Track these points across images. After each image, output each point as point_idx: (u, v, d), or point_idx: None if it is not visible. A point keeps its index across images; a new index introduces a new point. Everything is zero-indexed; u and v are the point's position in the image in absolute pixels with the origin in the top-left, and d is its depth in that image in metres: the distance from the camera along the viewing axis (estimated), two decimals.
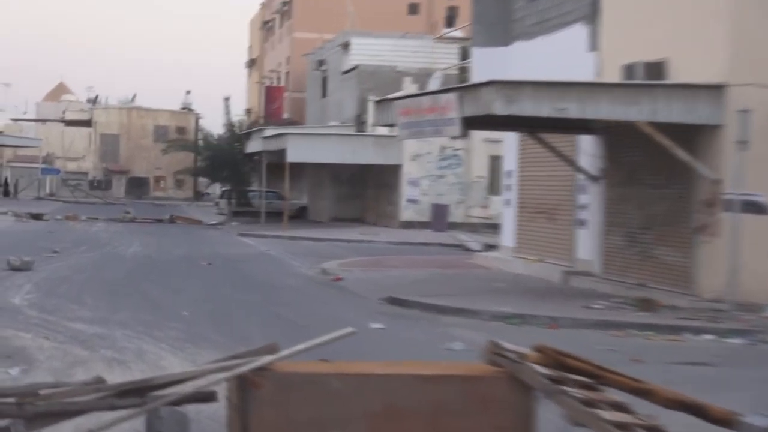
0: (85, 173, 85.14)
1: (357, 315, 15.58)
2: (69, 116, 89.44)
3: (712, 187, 17.10)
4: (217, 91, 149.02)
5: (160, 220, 46.26)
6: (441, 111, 17.36)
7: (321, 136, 43.34)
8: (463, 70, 43.63)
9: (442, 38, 51.56)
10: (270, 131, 45.46)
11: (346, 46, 51.95)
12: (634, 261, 19.53)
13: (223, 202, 56.41)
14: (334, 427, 6.26)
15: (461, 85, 18.48)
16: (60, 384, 6.55)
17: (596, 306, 16.95)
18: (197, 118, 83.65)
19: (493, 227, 33.64)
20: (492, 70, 20.67)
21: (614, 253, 20.29)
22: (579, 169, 21.22)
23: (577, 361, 6.55)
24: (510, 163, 25.46)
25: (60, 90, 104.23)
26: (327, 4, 61.73)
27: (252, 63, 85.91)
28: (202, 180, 69.50)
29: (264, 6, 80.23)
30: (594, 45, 20.85)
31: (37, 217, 43.96)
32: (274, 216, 43.96)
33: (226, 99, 56.24)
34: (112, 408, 6.16)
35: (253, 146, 48.54)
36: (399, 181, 42.40)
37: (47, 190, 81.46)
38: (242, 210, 51.12)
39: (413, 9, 63.43)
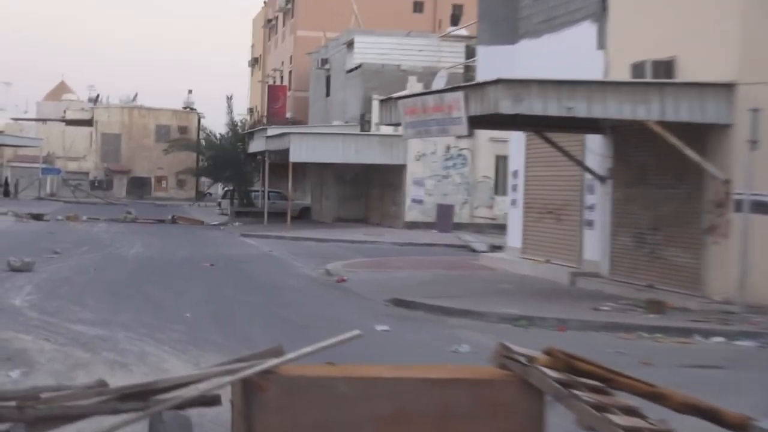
0: (86, 173, 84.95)
1: (362, 317, 15.50)
2: (70, 116, 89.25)
3: (721, 187, 17.00)
4: (220, 91, 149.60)
5: (161, 221, 46.16)
6: (447, 110, 17.29)
7: (324, 135, 43.14)
8: (469, 69, 43.56)
9: (447, 36, 51.43)
10: (273, 131, 45.42)
11: (349, 44, 51.86)
12: (642, 262, 19.43)
13: (225, 203, 56.44)
14: (341, 431, 6.19)
15: (467, 84, 18.33)
16: (61, 387, 6.49)
17: (604, 308, 16.86)
18: (199, 118, 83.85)
19: (499, 228, 33.60)
20: (498, 69, 20.53)
21: (622, 254, 20.17)
22: (586, 169, 21.11)
23: (587, 365, 6.49)
24: (516, 162, 25.35)
25: (61, 89, 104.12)
26: (330, 3, 61.67)
27: (255, 62, 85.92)
28: (204, 180, 69.38)
29: (267, 4, 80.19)
30: (602, 43, 20.78)
31: (37, 217, 43.85)
32: (277, 216, 43.91)
33: (229, 98, 56.17)
34: (115, 412, 6.10)
35: (256, 146, 48.48)
36: (403, 181, 42.24)
37: (48, 190, 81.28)
38: (245, 210, 51.10)
39: (418, 7, 63.38)
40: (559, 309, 16.59)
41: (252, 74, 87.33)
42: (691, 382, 10.27)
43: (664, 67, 18.06)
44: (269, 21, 77.85)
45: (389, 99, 20.92)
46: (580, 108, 16.45)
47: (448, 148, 41.53)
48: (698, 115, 16.89)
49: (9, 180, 79.19)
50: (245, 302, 17.13)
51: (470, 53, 44.48)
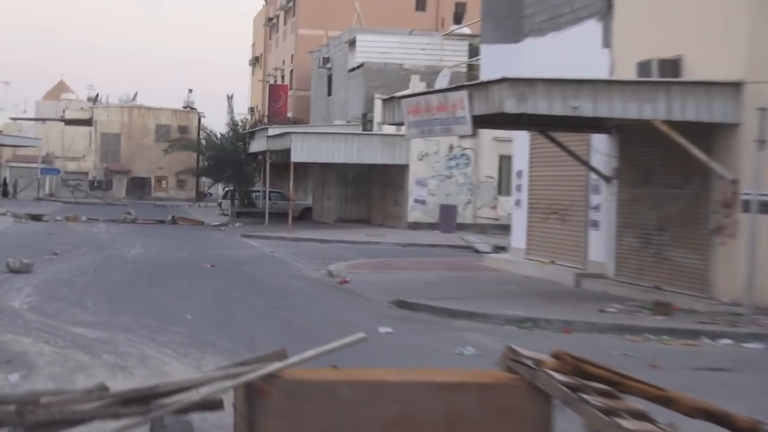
0: (86, 173, 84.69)
1: (365, 319, 15.43)
2: (69, 115, 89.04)
3: (729, 187, 16.92)
4: (220, 90, 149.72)
5: (161, 221, 46.09)
6: (451, 109, 17.23)
7: (326, 135, 42.97)
8: (472, 68, 43.49)
9: (450, 35, 51.35)
10: (274, 130, 45.30)
11: (351, 43, 51.78)
12: (648, 263, 19.34)
13: (226, 203, 56.28)
14: None
15: (471, 83, 18.24)
16: (62, 391, 6.46)
17: (610, 309, 16.78)
18: (200, 117, 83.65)
19: (503, 228, 33.52)
20: (502, 68, 20.43)
21: (628, 255, 20.08)
22: (592, 169, 21.02)
23: (596, 368, 6.43)
24: (520, 162, 25.25)
25: (60, 88, 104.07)
26: (332, 1, 61.65)
27: (256, 61, 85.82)
28: (205, 180, 69.31)
29: (268, 3, 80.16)
30: (607, 41, 20.69)
31: (36, 218, 43.77)
32: (278, 217, 43.83)
33: (229, 97, 56.05)
34: (116, 416, 6.03)
35: (257, 146, 48.39)
36: (406, 182, 42.11)
37: (47, 191, 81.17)
38: (245, 211, 50.99)
39: (420, 5, 63.32)
40: (565, 311, 16.51)
41: (253, 73, 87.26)
42: (698, 384, 10.23)
43: (671, 66, 17.98)
44: (270, 19, 77.79)
45: (392, 98, 20.82)
46: (586, 107, 16.35)
47: (451, 147, 41.40)
48: (705, 115, 16.81)
49: (8, 180, 79.12)
50: (247, 304, 17.08)
51: (473, 52, 44.39)
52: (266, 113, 62.18)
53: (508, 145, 32.22)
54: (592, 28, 21.10)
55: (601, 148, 20.93)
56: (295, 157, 40.13)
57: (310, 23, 63.48)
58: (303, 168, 48.79)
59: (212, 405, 6.23)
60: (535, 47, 23.37)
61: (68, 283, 19.23)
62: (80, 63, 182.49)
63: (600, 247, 21.02)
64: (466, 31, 50.36)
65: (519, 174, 25.35)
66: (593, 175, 21.11)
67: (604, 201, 20.93)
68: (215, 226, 44.75)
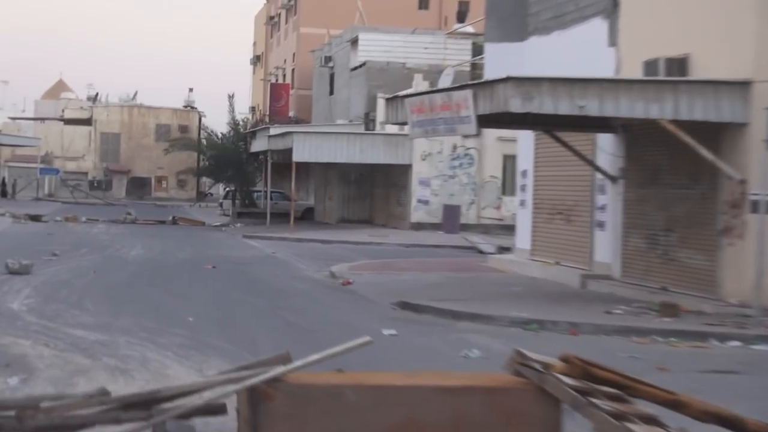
0: (85, 173, 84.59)
1: (368, 321, 15.41)
2: (68, 114, 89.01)
3: (737, 188, 16.81)
4: (221, 89, 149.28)
5: (162, 222, 46.10)
6: (455, 108, 17.17)
7: (328, 134, 42.87)
8: (476, 67, 43.35)
9: (453, 34, 51.24)
10: (275, 130, 45.19)
11: (354, 41, 51.66)
12: (655, 264, 19.24)
13: (227, 203, 56.18)
14: None
15: (476, 82, 18.18)
16: (62, 396, 6.43)
17: (617, 311, 16.71)
18: (200, 117, 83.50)
19: (507, 229, 33.45)
20: (506, 67, 20.43)
21: (634, 256, 19.97)
22: (597, 169, 20.92)
23: (605, 372, 6.37)
24: (525, 162, 25.17)
25: (59, 87, 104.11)
26: None
27: (257, 59, 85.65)
28: (205, 180, 69.24)
29: (269, 1, 79.95)
30: (613, 40, 20.59)
31: (35, 218, 43.76)
32: (280, 217, 43.74)
33: (230, 96, 55.95)
34: (117, 421, 5.99)
35: (258, 145, 48.29)
36: (409, 181, 42.00)
37: (46, 191, 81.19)
38: (247, 211, 50.92)
39: (423, 3, 63.24)
40: (571, 312, 16.45)
41: (254, 72, 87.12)
42: (707, 387, 10.16)
43: (678, 65, 17.89)
44: (271, 18, 77.66)
45: (395, 97, 20.72)
46: (592, 106, 16.30)
47: (455, 147, 41.29)
48: (713, 114, 16.72)
49: (6, 180, 79.11)
50: (249, 305, 17.03)
51: (477, 51, 44.29)
52: (267, 112, 62.07)
53: (512, 145, 32.05)
54: (598, 26, 20.99)
55: (607, 148, 20.83)
56: (297, 156, 40.02)
57: (312, 21, 63.38)
58: (305, 168, 48.63)
59: (215, 410, 6.18)
60: (540, 46, 23.28)
61: (68, 284, 19.18)
62: (79, 62, 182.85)
63: (606, 248, 20.91)
64: (470, 29, 50.27)
65: (524, 174, 25.26)
66: (599, 175, 21.01)
67: (610, 201, 20.83)
68: (216, 226, 44.76)
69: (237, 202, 53.35)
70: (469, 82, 18.74)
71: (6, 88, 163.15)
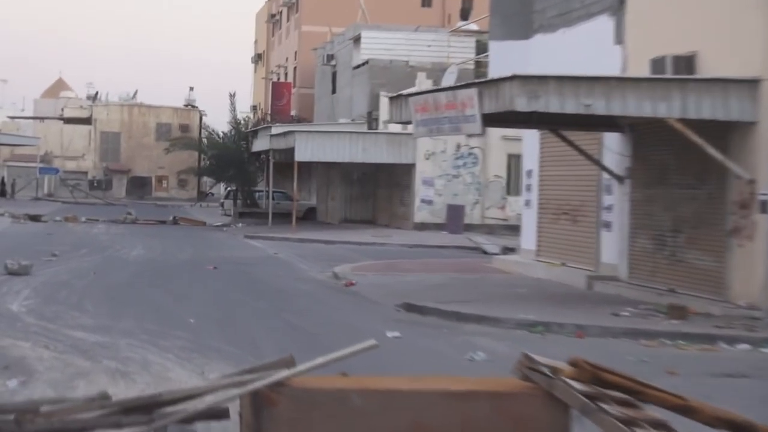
0: (85, 173, 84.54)
1: (372, 322, 15.33)
2: (68, 113, 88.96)
3: (746, 188, 16.65)
4: (222, 87, 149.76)
5: (162, 222, 46.10)
6: (460, 107, 17.04)
7: (330, 133, 42.74)
8: (480, 65, 43.23)
9: (456, 31, 51.19)
10: (277, 129, 45.03)
11: (356, 39, 51.53)
12: (662, 265, 19.09)
13: (228, 203, 56.04)
14: None
15: (481, 80, 18.08)
16: (62, 399, 6.47)
17: (624, 313, 16.55)
18: (201, 116, 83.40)
19: (511, 229, 33.35)
20: (511, 65, 20.38)
21: (641, 257, 19.83)
22: (604, 168, 20.78)
23: (614, 376, 6.34)
24: (530, 161, 25.05)
25: (59, 86, 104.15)
26: None
27: (258, 58, 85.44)
28: (206, 180, 69.12)
29: None
30: (619, 38, 20.44)
31: (35, 218, 43.78)
32: (282, 217, 43.62)
33: (232, 95, 55.86)
34: (118, 426, 5.99)
35: (260, 144, 48.16)
36: (412, 181, 41.88)
37: (45, 191, 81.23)
38: (248, 211, 50.84)
39: (426, 1, 63.24)
40: (577, 314, 16.29)
41: (255, 71, 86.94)
42: (716, 392, 10.08)
43: (685, 63, 17.73)
44: (273, 16, 77.50)
45: (399, 96, 20.59)
46: (599, 105, 16.14)
47: (459, 146, 41.15)
48: (721, 113, 16.55)
49: (5, 180, 79.17)
50: (251, 307, 16.97)
51: (481, 48, 44.16)
52: (269, 111, 61.91)
53: (517, 144, 31.92)
54: (604, 23, 20.85)
55: (613, 147, 20.70)
56: (299, 156, 39.88)
57: (314, 20, 63.25)
58: (307, 167, 48.50)
59: (218, 414, 6.16)
60: (545, 44, 23.16)
61: (68, 285, 19.15)
62: (79, 61, 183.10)
63: (612, 249, 20.76)
64: (473, 27, 50.20)
65: (529, 173, 25.14)
66: (605, 175, 20.87)
67: (617, 201, 20.69)
68: (217, 226, 44.76)
69: (238, 202, 53.24)
70: (474, 81, 18.61)
71: (5, 86, 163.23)
